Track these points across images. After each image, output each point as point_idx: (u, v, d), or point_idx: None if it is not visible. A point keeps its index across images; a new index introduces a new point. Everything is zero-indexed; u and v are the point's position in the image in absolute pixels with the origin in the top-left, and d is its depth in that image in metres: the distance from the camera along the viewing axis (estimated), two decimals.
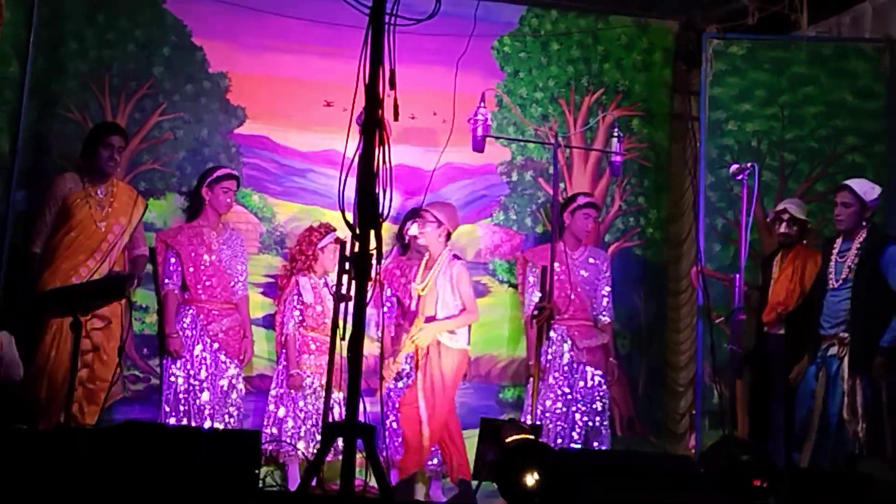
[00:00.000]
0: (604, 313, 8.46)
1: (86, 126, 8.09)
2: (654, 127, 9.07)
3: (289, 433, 7.94)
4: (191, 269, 7.96)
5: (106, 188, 7.64)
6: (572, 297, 8.20)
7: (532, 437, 6.03)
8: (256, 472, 5.02)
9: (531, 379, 7.74)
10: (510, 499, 5.51)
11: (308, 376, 8.02)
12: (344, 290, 6.51)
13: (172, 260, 7.97)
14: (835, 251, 7.55)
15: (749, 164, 7.74)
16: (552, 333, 8.19)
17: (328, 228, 8.12)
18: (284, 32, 8.55)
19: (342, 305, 6.71)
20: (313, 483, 5.83)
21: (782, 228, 7.98)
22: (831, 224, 8.06)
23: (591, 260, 8.49)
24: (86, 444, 4.62)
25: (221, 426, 7.78)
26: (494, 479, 5.81)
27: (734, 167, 7.83)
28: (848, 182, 7.54)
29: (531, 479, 5.48)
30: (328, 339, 7.63)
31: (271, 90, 8.55)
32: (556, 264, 7.67)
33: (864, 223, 7.47)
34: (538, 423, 7.35)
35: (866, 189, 7.47)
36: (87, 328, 7.26)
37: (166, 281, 7.96)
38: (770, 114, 8.62)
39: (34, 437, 4.82)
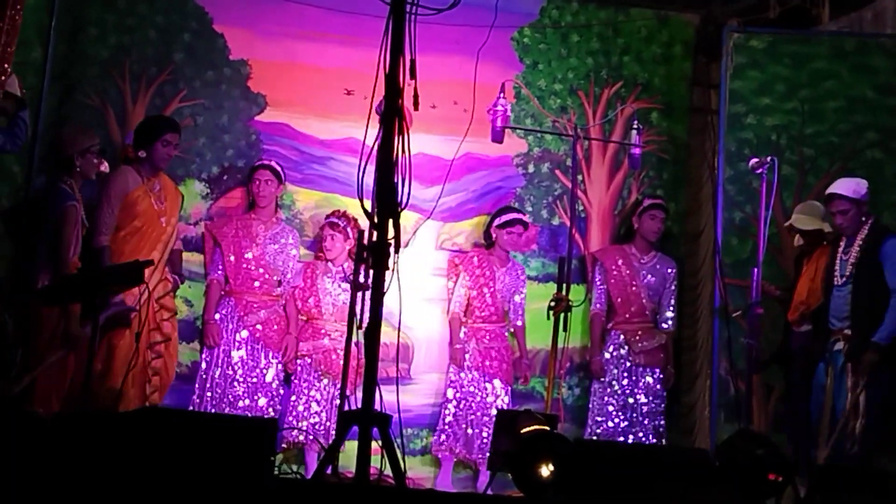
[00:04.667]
0: (667, 321, 8.62)
1: (105, 112, 8.16)
2: (674, 120, 9.05)
3: (306, 420, 8.02)
4: (231, 260, 8.04)
5: (159, 182, 7.65)
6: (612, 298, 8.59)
7: (547, 427, 6.04)
8: (272, 458, 5.03)
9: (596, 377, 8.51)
10: (525, 489, 5.52)
11: (302, 362, 8.17)
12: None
13: (215, 250, 8.08)
14: (840, 249, 7.63)
15: (768, 158, 7.73)
16: (618, 340, 8.53)
17: (330, 214, 8.20)
18: (305, 20, 8.57)
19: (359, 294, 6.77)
20: (328, 471, 5.86)
21: (796, 241, 8.09)
22: None
23: (659, 267, 8.63)
24: (101, 430, 4.63)
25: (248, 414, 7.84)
26: (509, 469, 5.82)
27: (753, 161, 7.81)
28: (835, 190, 7.57)
29: (546, 470, 5.49)
30: (313, 324, 8.14)
31: (292, 78, 8.57)
32: (619, 264, 8.60)
33: (863, 219, 7.52)
34: (554, 413, 7.35)
35: (853, 187, 7.53)
36: (156, 320, 7.47)
37: (211, 271, 8.09)
38: (790, 108, 8.59)
39: (49, 422, 4.82)
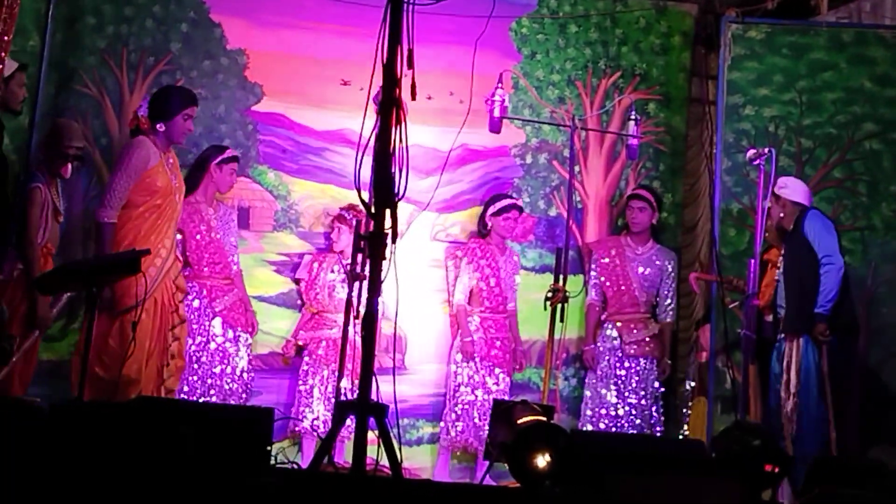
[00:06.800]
0: (667, 312, 8.62)
1: (102, 101, 8.15)
2: (672, 111, 9.03)
3: (304, 410, 8.07)
4: (193, 246, 7.98)
5: (172, 156, 7.40)
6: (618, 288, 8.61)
7: (544, 418, 6.03)
8: (268, 448, 5.03)
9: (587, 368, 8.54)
10: (521, 480, 5.52)
11: (307, 353, 8.24)
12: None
13: (176, 237, 7.96)
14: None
15: (766, 150, 7.73)
16: (610, 331, 8.52)
17: (341, 209, 8.22)
18: (302, 10, 8.58)
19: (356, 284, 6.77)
20: (325, 461, 5.85)
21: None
22: (848, 210, 8.13)
23: (657, 258, 8.62)
24: (97, 420, 4.63)
25: (233, 401, 7.84)
26: (506, 459, 5.82)
27: (751, 152, 7.82)
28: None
29: (542, 461, 5.49)
30: (317, 314, 8.23)
31: (288, 68, 8.57)
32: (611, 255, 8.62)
33: (782, 214, 7.68)
34: (550, 403, 7.35)
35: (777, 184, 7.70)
36: (174, 301, 7.30)
37: None
38: (788, 99, 8.57)
39: (45, 411, 4.82)
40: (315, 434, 7.96)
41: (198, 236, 7.97)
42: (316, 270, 8.28)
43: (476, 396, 8.31)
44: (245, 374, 8.01)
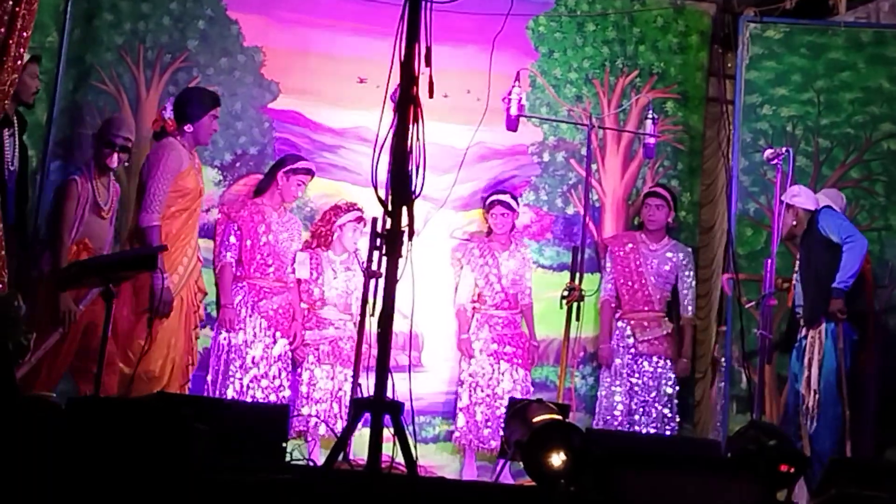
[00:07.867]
0: (685, 308, 8.57)
1: (119, 98, 8.17)
2: (689, 110, 9.00)
3: (309, 409, 8.08)
4: (248, 245, 8.01)
5: (197, 157, 7.48)
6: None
7: (559, 417, 6.03)
8: (284, 445, 5.04)
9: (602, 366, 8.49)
10: (536, 478, 5.52)
11: (313, 351, 8.18)
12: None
13: (234, 233, 8.02)
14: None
15: (784, 149, 7.72)
16: (624, 329, 8.48)
17: (351, 207, 8.18)
18: (319, 7, 8.60)
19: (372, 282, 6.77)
20: (340, 458, 5.86)
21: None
22: (865, 211, 8.10)
23: (671, 255, 8.56)
24: (112, 415, 4.64)
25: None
26: (521, 458, 5.83)
27: (768, 152, 7.81)
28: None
29: (558, 460, 5.49)
30: (317, 313, 8.13)
31: (305, 65, 8.58)
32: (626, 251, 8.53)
33: (794, 223, 7.72)
34: (566, 402, 7.34)
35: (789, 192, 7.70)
36: (196, 301, 7.40)
37: (225, 253, 8.01)
38: (806, 99, 8.55)
39: (60, 407, 4.83)
40: (323, 431, 7.97)
41: (255, 236, 8.01)
42: (315, 268, 8.25)
43: (484, 394, 8.30)
44: (274, 375, 8.01)
